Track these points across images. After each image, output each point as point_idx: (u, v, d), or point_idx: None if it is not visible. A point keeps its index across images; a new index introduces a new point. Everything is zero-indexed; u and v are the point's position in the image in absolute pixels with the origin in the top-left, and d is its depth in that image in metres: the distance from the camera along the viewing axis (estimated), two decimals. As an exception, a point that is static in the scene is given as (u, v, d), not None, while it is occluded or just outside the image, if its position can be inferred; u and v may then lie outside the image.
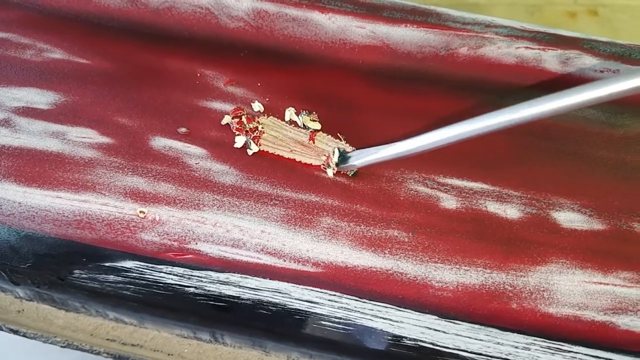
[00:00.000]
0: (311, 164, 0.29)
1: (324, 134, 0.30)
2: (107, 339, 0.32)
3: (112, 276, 0.29)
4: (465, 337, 0.28)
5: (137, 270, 0.29)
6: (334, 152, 0.29)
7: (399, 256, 0.27)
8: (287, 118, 0.30)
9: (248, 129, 0.29)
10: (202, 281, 0.28)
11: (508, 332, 0.27)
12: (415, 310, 0.27)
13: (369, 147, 0.29)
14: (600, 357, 0.27)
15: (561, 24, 0.59)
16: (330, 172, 0.29)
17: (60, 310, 0.33)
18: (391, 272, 0.27)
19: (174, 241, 0.28)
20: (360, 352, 0.30)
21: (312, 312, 0.29)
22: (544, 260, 0.27)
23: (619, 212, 0.28)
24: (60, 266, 0.29)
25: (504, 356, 0.28)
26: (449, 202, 0.28)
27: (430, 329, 0.28)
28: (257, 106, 0.31)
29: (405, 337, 0.28)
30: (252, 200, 0.28)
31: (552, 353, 0.28)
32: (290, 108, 0.30)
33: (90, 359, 0.33)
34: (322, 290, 0.28)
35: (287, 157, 0.29)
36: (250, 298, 0.29)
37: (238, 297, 0.29)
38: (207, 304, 0.29)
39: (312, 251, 0.27)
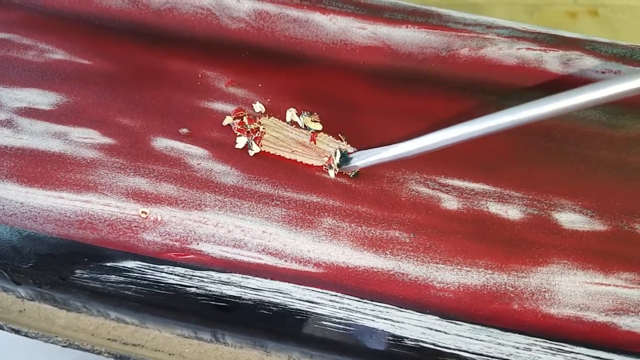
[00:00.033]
0: (312, 164, 0.29)
1: (325, 135, 0.30)
2: (109, 339, 0.32)
3: (113, 276, 0.29)
4: (467, 337, 0.28)
5: (139, 270, 0.29)
6: (335, 153, 0.29)
7: (400, 257, 0.27)
8: (288, 119, 0.30)
9: (249, 130, 0.29)
10: (203, 281, 0.29)
11: (509, 333, 0.27)
12: (417, 311, 0.27)
13: (370, 148, 0.29)
14: (601, 358, 0.27)
15: (561, 24, 0.59)
16: (332, 173, 0.29)
17: (61, 310, 0.33)
18: (392, 273, 0.27)
19: (176, 241, 0.28)
20: (361, 352, 0.30)
21: (313, 313, 0.29)
22: (546, 261, 0.27)
23: (621, 213, 0.28)
24: (62, 266, 0.29)
25: (505, 357, 0.28)
26: (451, 203, 0.28)
27: (432, 329, 0.28)
28: (258, 107, 0.31)
29: (407, 338, 0.28)
30: (254, 201, 0.28)
31: (554, 354, 0.28)
32: (291, 109, 0.30)
33: (92, 359, 0.33)
34: (323, 291, 0.28)
35: (288, 157, 0.29)
36: (251, 298, 0.29)
37: (239, 297, 0.29)
38: (208, 304, 0.29)
39: (313, 252, 0.27)
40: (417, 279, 0.27)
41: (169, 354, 0.32)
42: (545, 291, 0.27)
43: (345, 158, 0.29)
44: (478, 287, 0.27)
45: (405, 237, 0.27)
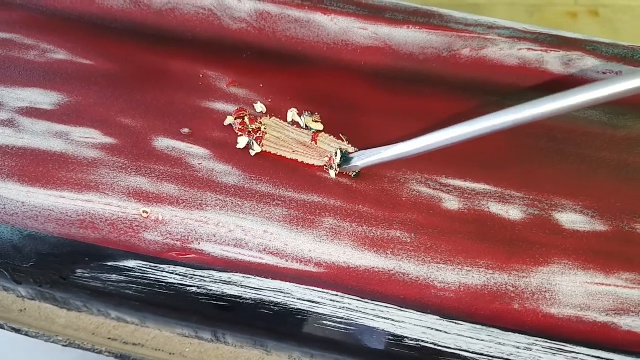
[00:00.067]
0: (313, 164, 0.29)
1: (326, 135, 0.30)
2: (109, 338, 0.32)
3: (114, 275, 0.29)
4: (467, 337, 0.28)
5: (140, 269, 0.29)
6: (336, 153, 0.29)
7: (401, 257, 0.27)
8: (289, 119, 0.30)
9: (251, 130, 0.30)
10: (204, 281, 0.29)
11: (510, 333, 0.27)
12: (417, 311, 0.28)
13: (371, 147, 0.29)
14: (602, 358, 0.27)
15: (562, 25, 0.59)
16: (332, 173, 0.29)
17: (62, 309, 0.33)
18: (393, 273, 0.27)
19: (177, 241, 0.28)
20: (362, 352, 0.30)
21: (314, 312, 0.29)
22: (546, 261, 0.27)
23: (621, 213, 0.29)
24: (63, 265, 0.30)
25: (506, 356, 0.28)
26: (452, 203, 0.28)
27: (432, 329, 0.28)
28: (259, 107, 0.31)
29: (407, 337, 0.28)
30: (255, 201, 0.28)
31: (554, 353, 0.28)
32: (292, 109, 0.30)
33: (92, 358, 0.33)
34: (324, 290, 0.28)
35: (289, 157, 0.29)
36: (252, 298, 0.29)
37: (240, 297, 0.29)
38: (209, 303, 0.29)
39: (314, 251, 0.27)
40: (418, 279, 0.27)
41: (170, 354, 0.32)
42: (546, 291, 0.27)
43: (345, 158, 0.29)
44: (479, 287, 0.27)
45: (406, 237, 0.27)
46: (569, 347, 0.27)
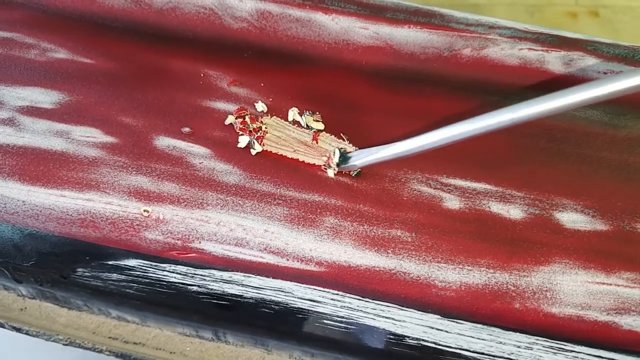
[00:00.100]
0: (314, 164, 0.29)
1: (327, 134, 0.30)
2: (110, 337, 0.32)
3: (115, 274, 0.29)
4: (468, 336, 0.28)
5: (141, 268, 0.29)
6: (334, 152, 0.29)
7: (402, 256, 0.27)
8: (290, 118, 0.30)
9: (251, 129, 0.30)
10: (205, 280, 0.29)
11: (511, 332, 0.27)
12: (418, 310, 0.28)
13: (369, 147, 0.29)
14: (602, 357, 0.27)
15: (562, 25, 0.59)
16: (331, 172, 0.29)
17: (62, 308, 0.33)
18: (394, 272, 0.27)
19: (178, 240, 0.28)
20: (363, 351, 0.30)
21: (315, 311, 0.29)
22: (547, 260, 0.27)
23: (622, 213, 0.29)
24: (64, 264, 0.30)
25: (507, 355, 0.28)
26: (452, 203, 0.28)
27: (433, 328, 0.28)
28: (260, 106, 0.31)
29: (408, 337, 0.28)
30: (256, 200, 0.28)
31: (555, 353, 0.28)
32: (293, 108, 0.31)
33: (93, 357, 0.33)
34: (325, 290, 0.28)
35: (290, 157, 0.29)
36: (253, 297, 0.29)
37: (241, 296, 0.29)
38: (210, 302, 0.29)
39: (315, 250, 0.27)
40: (418, 278, 0.27)
41: (170, 353, 0.32)
42: (546, 290, 0.27)
43: (344, 157, 0.29)
44: (480, 286, 0.27)
45: (407, 236, 0.27)
46: (569, 346, 0.27)
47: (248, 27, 0.32)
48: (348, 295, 0.28)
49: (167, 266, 0.28)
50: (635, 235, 0.28)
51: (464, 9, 0.35)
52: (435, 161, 0.29)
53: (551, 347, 0.28)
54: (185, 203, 0.28)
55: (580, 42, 0.32)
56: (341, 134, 0.30)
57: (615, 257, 0.27)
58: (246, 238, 0.27)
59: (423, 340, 0.28)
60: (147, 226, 0.28)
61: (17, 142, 0.29)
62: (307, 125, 0.30)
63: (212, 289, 0.29)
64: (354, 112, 0.31)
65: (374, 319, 0.28)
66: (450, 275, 0.27)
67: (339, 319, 0.29)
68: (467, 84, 0.31)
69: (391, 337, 0.29)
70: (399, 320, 0.28)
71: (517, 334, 0.27)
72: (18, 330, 0.32)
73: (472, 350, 0.28)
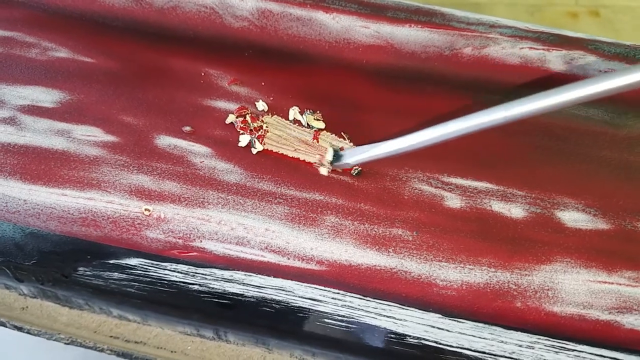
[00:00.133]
0: (315, 162, 0.29)
1: (328, 133, 0.30)
2: (111, 336, 0.32)
3: (116, 273, 0.29)
4: (469, 335, 0.28)
5: (142, 267, 0.29)
6: (327, 150, 0.29)
7: (403, 255, 0.27)
8: (291, 117, 0.30)
9: (252, 128, 0.30)
10: (206, 279, 0.29)
11: (512, 331, 0.27)
12: (419, 309, 0.28)
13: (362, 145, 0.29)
14: (604, 356, 0.27)
15: (562, 25, 0.59)
16: (324, 171, 0.29)
17: (64, 307, 0.33)
18: (395, 271, 0.27)
19: (179, 239, 0.28)
20: (364, 350, 0.30)
21: (316, 310, 0.29)
22: (549, 259, 0.27)
23: (623, 211, 0.29)
24: (65, 263, 0.30)
25: (508, 355, 0.28)
26: (453, 201, 0.28)
27: (434, 327, 0.28)
28: (261, 105, 0.31)
29: (409, 336, 0.28)
30: (257, 199, 0.28)
31: (556, 352, 0.28)
32: (294, 107, 0.31)
33: (94, 356, 0.33)
34: (326, 288, 0.28)
35: (291, 156, 0.29)
36: (254, 295, 0.29)
37: (242, 295, 0.29)
38: (210, 301, 0.29)
39: (316, 249, 0.27)
40: (419, 277, 0.27)
41: (171, 352, 0.32)
42: (548, 289, 0.27)
43: (337, 155, 0.29)
44: (481, 285, 0.27)
45: (408, 235, 0.27)
46: (571, 345, 0.27)
47: (249, 26, 0.32)
48: (349, 294, 0.28)
49: (168, 265, 0.28)
50: (637, 234, 0.28)
51: (465, 8, 0.35)
52: (436, 160, 0.29)
53: (553, 346, 0.27)
54: (186, 202, 0.28)
55: (581, 41, 0.32)
56: (342, 133, 0.30)
57: (617, 256, 0.27)
58: (247, 237, 0.27)
59: (424, 339, 0.28)
60: (148, 225, 0.28)
61: (18, 141, 0.29)
62: (307, 124, 0.30)
63: (213, 288, 0.29)
64: (354, 111, 0.31)
65: (375, 318, 0.28)
66: (452, 274, 0.27)
67: (340, 318, 0.29)
68: (468, 83, 0.31)
69: (392, 336, 0.29)
70: (400, 319, 0.28)
71: (519, 333, 0.27)
72: (19, 329, 0.32)
73: (473, 349, 0.28)
